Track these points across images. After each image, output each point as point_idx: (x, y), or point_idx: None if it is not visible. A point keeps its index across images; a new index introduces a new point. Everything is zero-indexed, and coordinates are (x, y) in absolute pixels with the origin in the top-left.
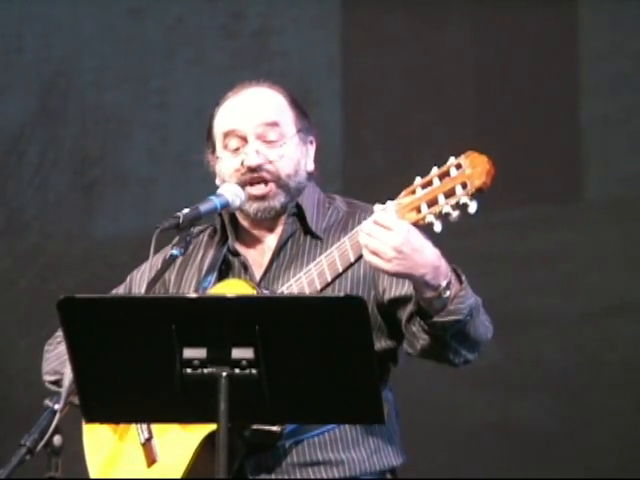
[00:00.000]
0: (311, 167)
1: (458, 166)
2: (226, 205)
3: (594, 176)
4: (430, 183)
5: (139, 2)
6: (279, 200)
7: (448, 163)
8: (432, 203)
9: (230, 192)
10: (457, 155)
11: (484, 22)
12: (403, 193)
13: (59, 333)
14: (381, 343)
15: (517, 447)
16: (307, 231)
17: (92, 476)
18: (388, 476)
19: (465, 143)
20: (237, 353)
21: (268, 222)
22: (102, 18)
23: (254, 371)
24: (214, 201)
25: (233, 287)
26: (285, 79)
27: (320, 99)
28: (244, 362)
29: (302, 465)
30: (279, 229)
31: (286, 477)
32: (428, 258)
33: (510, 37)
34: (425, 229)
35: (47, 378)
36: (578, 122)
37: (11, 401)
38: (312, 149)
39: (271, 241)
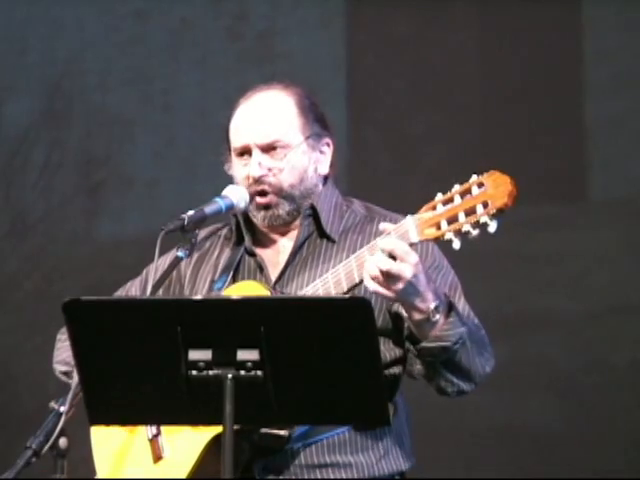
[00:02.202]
0: (325, 171)
1: (480, 185)
2: (231, 207)
3: (598, 176)
4: (451, 200)
5: (143, 4)
6: (283, 209)
7: (470, 181)
8: (452, 220)
9: (235, 194)
10: (479, 173)
11: (488, 22)
12: (424, 208)
13: None
14: (395, 351)
15: (524, 448)
16: (322, 234)
17: (98, 468)
18: (397, 478)
19: (469, 143)
20: (242, 355)
21: (283, 224)
22: (106, 20)
23: (259, 373)
24: (219, 203)
25: (248, 289)
26: (290, 80)
27: (325, 100)
28: (249, 364)
29: (310, 467)
30: (295, 230)
31: (294, 478)
32: (419, 287)
33: (514, 37)
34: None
35: (58, 368)
36: (582, 122)
37: (17, 403)
38: (329, 151)
39: (287, 242)
